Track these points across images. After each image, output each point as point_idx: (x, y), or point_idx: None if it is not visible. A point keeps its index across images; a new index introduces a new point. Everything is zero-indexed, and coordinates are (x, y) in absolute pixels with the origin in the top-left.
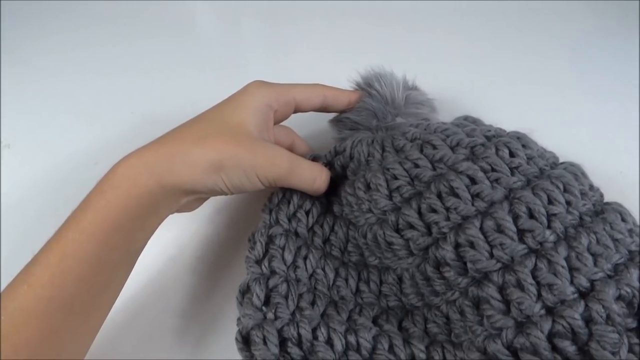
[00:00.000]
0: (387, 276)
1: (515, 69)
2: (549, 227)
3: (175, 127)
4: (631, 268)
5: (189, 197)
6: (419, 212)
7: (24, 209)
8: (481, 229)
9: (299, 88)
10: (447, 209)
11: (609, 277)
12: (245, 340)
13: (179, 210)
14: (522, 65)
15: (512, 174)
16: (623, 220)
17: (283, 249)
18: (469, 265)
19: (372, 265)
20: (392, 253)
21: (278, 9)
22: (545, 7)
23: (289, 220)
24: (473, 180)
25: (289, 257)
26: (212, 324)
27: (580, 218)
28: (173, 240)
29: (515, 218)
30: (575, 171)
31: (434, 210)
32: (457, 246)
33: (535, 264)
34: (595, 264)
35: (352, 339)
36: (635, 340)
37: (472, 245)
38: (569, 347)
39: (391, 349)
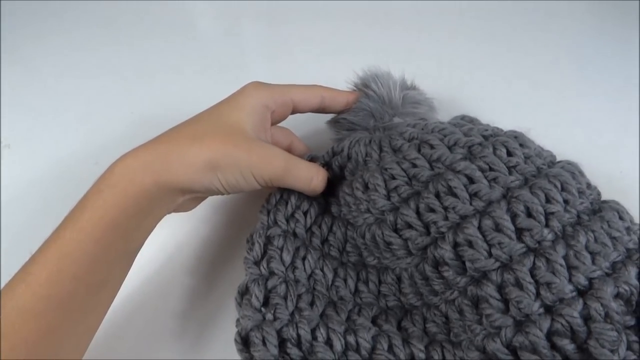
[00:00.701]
0: (386, 276)
1: (515, 69)
2: (547, 225)
3: (173, 126)
4: (629, 266)
5: (186, 196)
6: (417, 212)
7: (23, 209)
8: (479, 228)
9: (297, 89)
10: (445, 209)
11: (607, 275)
12: (244, 342)
13: (177, 210)
14: (521, 65)
15: (510, 173)
16: (621, 218)
17: (281, 249)
18: (468, 264)
19: (371, 265)
20: (391, 253)
21: (278, 9)
22: (545, 7)
23: (287, 221)
24: (471, 180)
25: (287, 258)
26: (212, 324)
27: (578, 216)
28: (171, 240)
29: (514, 217)
30: (573, 170)
31: (432, 210)
32: (455, 245)
33: (534, 263)
34: (593, 262)
35: (351, 339)
36: (634, 338)
37: (470, 244)
38: (567, 345)
39: (390, 349)
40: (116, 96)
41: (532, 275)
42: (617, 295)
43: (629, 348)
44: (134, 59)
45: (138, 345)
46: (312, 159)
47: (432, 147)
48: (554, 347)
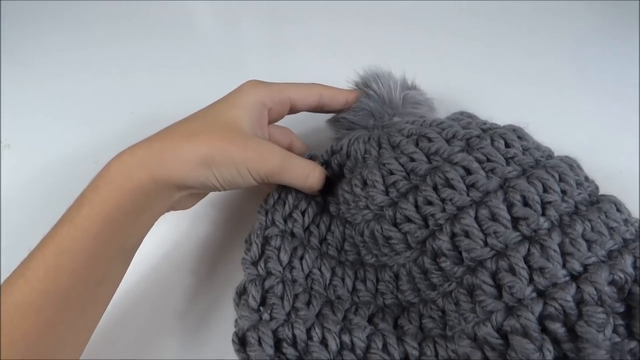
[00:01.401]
0: (384, 274)
1: (515, 69)
2: (543, 214)
3: (169, 125)
4: (625, 254)
5: (183, 193)
6: (416, 205)
7: (23, 209)
8: (476, 218)
9: (294, 86)
10: (443, 201)
11: (603, 262)
12: (241, 342)
13: (175, 208)
14: (521, 65)
15: (508, 164)
16: (618, 210)
17: (279, 249)
18: (464, 254)
19: (369, 263)
20: (390, 248)
21: (278, 9)
22: (545, 7)
23: (285, 221)
24: (468, 171)
25: (284, 258)
26: (212, 324)
27: (576, 207)
28: (172, 239)
29: (510, 206)
30: (571, 162)
31: (430, 203)
32: (452, 236)
33: (529, 250)
34: (589, 250)
35: (346, 338)
36: (620, 322)
37: (467, 234)
38: (559, 329)
39: (385, 347)
40: (116, 96)
41: (526, 262)
42: (612, 282)
43: (614, 331)
44: (134, 59)
45: (137, 344)
46: (311, 158)
47: (430, 140)
48: (544, 330)
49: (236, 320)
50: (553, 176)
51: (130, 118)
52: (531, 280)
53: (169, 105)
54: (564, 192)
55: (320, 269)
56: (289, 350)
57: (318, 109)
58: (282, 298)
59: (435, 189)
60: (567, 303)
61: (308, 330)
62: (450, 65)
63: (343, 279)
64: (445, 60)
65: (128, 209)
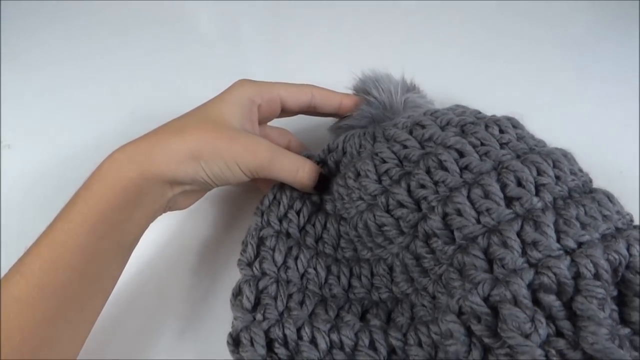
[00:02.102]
0: (379, 267)
1: (515, 69)
2: (537, 195)
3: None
4: (619, 238)
5: (175, 190)
6: (409, 190)
7: (24, 209)
8: (468, 197)
9: (285, 85)
10: (436, 183)
11: (597, 242)
12: (235, 342)
13: (171, 207)
14: (521, 65)
15: (502, 148)
16: (611, 201)
17: (273, 250)
18: (456, 233)
19: (364, 259)
20: (383, 237)
21: (278, 9)
22: (545, 7)
23: (280, 221)
24: (461, 154)
25: (279, 258)
26: (212, 324)
27: (569, 193)
28: (172, 239)
29: (503, 187)
30: (565, 153)
31: (423, 186)
32: (445, 216)
33: (522, 226)
34: (583, 230)
35: (335, 337)
36: (614, 307)
37: (459, 212)
38: (554, 302)
39: (372, 344)
40: (116, 96)
41: (519, 237)
42: (607, 262)
43: (609, 316)
44: (134, 59)
45: (135, 344)
46: (307, 157)
47: (423, 127)
48: (538, 304)
49: (233, 321)
50: (547, 162)
51: (130, 118)
52: (524, 254)
53: (169, 105)
54: (557, 177)
55: (315, 268)
56: (280, 350)
57: (311, 109)
58: (275, 298)
59: (428, 172)
60: (561, 271)
61: (298, 330)
62: (450, 66)
63: (339, 277)
64: (445, 61)
65: (120, 205)
